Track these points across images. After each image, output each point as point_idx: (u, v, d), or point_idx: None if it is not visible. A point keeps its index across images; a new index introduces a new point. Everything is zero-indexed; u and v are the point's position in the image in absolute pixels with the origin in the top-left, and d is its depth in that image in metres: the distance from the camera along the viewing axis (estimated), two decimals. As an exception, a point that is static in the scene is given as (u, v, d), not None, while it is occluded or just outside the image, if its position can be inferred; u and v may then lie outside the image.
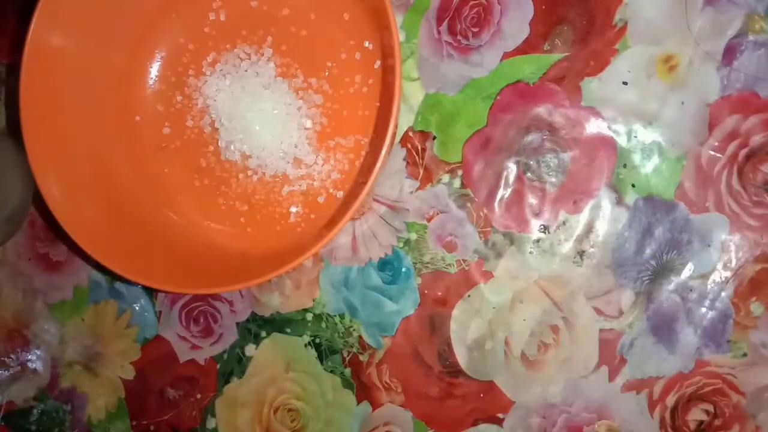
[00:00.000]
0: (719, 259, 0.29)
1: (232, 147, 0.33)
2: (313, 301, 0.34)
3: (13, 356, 0.39)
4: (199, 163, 0.34)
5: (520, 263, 0.31)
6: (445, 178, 0.32)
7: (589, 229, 0.30)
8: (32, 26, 0.30)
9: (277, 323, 0.34)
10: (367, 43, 0.31)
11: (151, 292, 0.37)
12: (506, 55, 0.31)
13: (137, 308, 0.37)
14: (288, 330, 0.34)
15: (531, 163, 0.31)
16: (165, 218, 0.34)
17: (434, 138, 0.32)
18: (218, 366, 0.36)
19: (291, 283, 0.34)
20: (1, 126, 0.39)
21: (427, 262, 0.32)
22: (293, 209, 0.33)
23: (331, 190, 0.32)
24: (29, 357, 0.39)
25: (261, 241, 0.33)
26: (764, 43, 0.29)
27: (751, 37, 0.29)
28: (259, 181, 0.33)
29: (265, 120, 0.32)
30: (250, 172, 0.33)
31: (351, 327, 0.33)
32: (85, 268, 0.38)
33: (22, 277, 0.39)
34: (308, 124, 0.32)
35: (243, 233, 0.34)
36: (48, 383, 0.39)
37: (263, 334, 0.35)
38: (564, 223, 0.31)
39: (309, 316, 0.34)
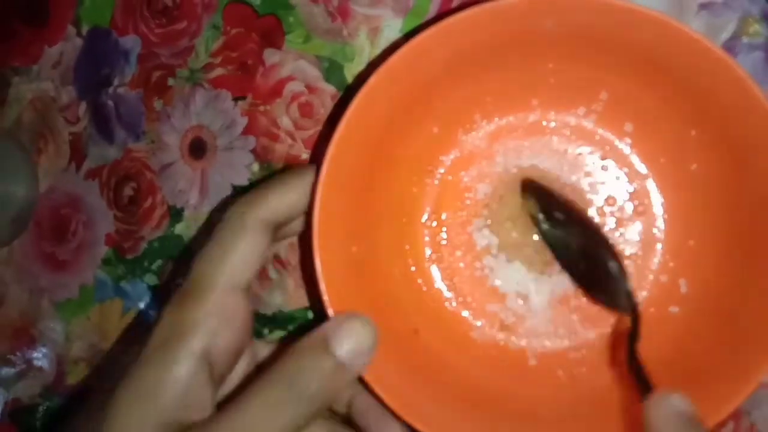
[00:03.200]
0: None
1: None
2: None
3: (19, 354, 0.40)
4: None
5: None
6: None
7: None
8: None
9: (279, 321, 0.35)
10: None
11: (155, 290, 0.37)
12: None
13: (142, 306, 0.37)
14: (290, 328, 0.35)
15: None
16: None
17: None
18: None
19: (293, 281, 0.34)
20: (5, 127, 0.40)
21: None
22: None
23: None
24: (35, 355, 0.39)
25: None
26: (759, 46, 0.29)
27: (745, 40, 0.29)
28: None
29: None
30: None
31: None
32: (91, 267, 0.38)
33: (28, 276, 0.40)
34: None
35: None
36: (53, 381, 0.39)
37: (265, 332, 0.35)
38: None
39: (310, 314, 0.34)
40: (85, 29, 0.38)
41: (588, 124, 0.30)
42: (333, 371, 0.22)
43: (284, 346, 0.25)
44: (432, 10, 0.32)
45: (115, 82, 0.37)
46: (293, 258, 0.34)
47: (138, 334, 0.37)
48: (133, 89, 0.37)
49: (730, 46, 0.29)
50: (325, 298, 0.25)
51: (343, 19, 0.33)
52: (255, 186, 0.26)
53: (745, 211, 0.26)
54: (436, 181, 0.31)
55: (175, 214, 0.36)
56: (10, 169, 0.39)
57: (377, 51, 0.33)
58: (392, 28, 0.32)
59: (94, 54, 0.38)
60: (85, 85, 0.38)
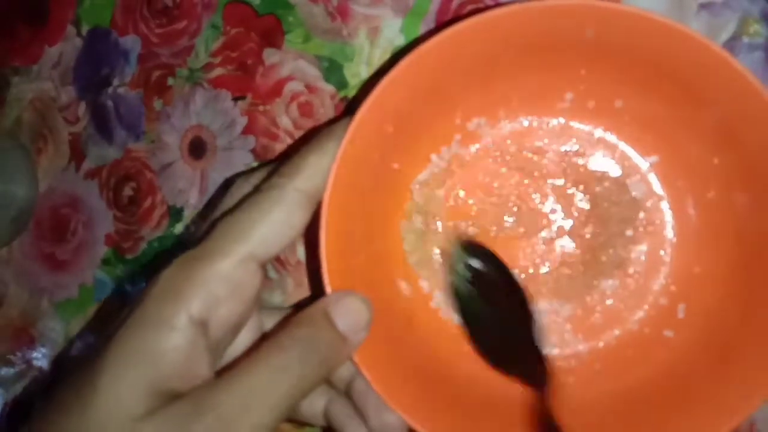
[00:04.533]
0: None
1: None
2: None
3: (18, 354, 0.40)
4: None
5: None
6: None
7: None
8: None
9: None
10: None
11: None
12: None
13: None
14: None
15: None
16: None
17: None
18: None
19: (293, 281, 0.34)
20: (5, 127, 0.40)
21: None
22: None
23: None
24: (35, 355, 0.39)
25: None
26: (759, 46, 0.29)
27: (745, 40, 0.29)
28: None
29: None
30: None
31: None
32: (91, 268, 0.38)
33: (27, 276, 0.40)
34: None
35: None
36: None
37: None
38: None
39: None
40: (85, 29, 0.38)
41: (611, 138, 0.30)
42: (335, 342, 0.22)
43: (288, 317, 0.25)
44: (432, 10, 0.32)
45: (115, 81, 0.37)
46: (292, 258, 0.34)
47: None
48: (133, 89, 0.37)
49: (730, 46, 0.29)
50: (328, 289, 0.25)
51: (343, 18, 0.33)
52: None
53: (756, 245, 0.26)
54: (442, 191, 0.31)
55: (175, 213, 0.36)
56: (10, 169, 0.39)
57: (377, 51, 0.33)
58: (392, 27, 0.32)
59: (94, 54, 0.38)
60: (85, 85, 0.38)
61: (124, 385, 0.19)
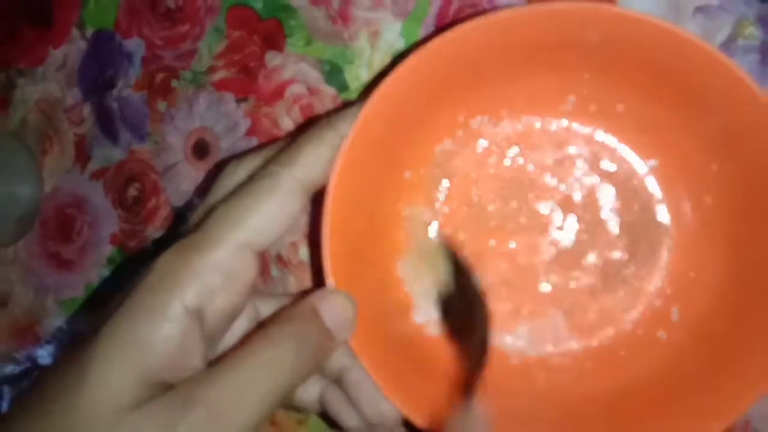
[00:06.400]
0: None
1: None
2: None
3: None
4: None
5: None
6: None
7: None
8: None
9: (281, 320, 0.35)
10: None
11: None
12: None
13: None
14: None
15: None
16: None
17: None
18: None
19: (295, 279, 0.35)
20: (11, 128, 0.40)
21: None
22: None
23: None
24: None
25: None
26: (754, 49, 0.29)
27: (740, 43, 0.30)
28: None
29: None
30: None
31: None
32: (96, 267, 0.39)
33: (33, 276, 0.40)
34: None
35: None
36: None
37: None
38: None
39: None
40: (89, 32, 0.38)
41: (611, 140, 0.30)
42: (323, 337, 0.23)
43: (285, 307, 0.25)
44: (431, 13, 0.32)
45: (120, 84, 0.38)
46: (294, 257, 0.34)
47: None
48: (137, 91, 0.37)
49: (725, 48, 0.30)
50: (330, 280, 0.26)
51: (344, 22, 0.34)
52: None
53: (751, 252, 0.26)
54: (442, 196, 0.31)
55: (179, 214, 0.37)
56: (15, 170, 0.39)
57: (377, 54, 0.33)
58: (392, 31, 0.33)
59: (98, 56, 0.38)
60: (90, 87, 0.39)
61: (113, 375, 0.19)
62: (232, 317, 0.22)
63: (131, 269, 0.38)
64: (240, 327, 0.24)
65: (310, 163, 0.23)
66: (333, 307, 0.23)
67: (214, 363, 0.20)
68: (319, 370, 0.25)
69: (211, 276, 0.21)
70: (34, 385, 0.20)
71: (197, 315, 0.20)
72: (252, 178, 0.23)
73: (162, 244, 0.22)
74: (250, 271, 0.22)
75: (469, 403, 0.24)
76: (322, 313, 0.23)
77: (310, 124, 0.25)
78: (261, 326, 0.23)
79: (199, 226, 0.22)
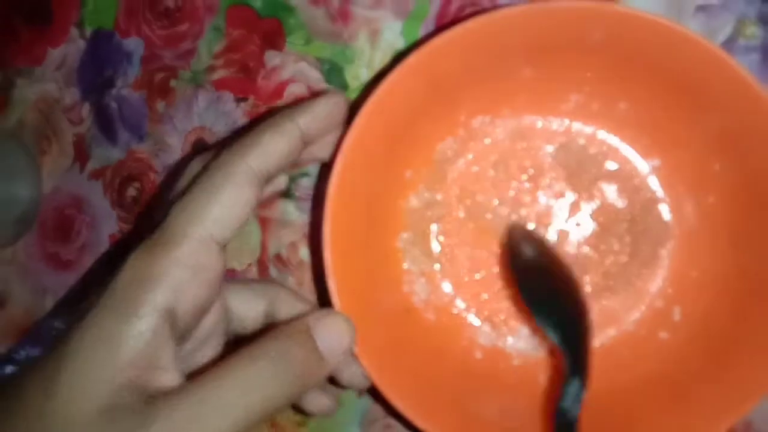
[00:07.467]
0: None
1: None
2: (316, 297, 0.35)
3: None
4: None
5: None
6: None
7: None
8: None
9: (281, 320, 0.35)
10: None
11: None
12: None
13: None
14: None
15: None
16: None
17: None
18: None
19: (294, 280, 0.35)
20: (9, 128, 0.40)
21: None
22: None
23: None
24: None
25: None
26: (755, 48, 0.29)
27: (741, 42, 0.29)
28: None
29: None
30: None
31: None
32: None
33: (32, 276, 0.40)
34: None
35: None
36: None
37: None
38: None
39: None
40: (88, 31, 0.38)
41: (614, 139, 0.30)
42: (314, 361, 0.22)
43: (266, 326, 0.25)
44: (432, 12, 0.32)
45: (118, 83, 0.38)
46: (294, 257, 0.34)
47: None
48: (136, 91, 0.37)
49: (726, 48, 0.29)
50: (332, 288, 0.26)
51: (344, 21, 0.33)
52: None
53: (752, 252, 0.26)
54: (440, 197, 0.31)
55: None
56: (14, 170, 0.39)
57: (377, 53, 0.33)
58: (392, 30, 0.33)
59: (97, 56, 0.38)
60: (89, 87, 0.39)
61: (88, 380, 0.19)
62: (202, 311, 0.22)
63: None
64: (209, 322, 0.24)
65: (265, 152, 0.23)
66: (328, 330, 0.23)
67: (193, 377, 0.20)
68: (305, 393, 0.24)
69: (179, 271, 0.21)
70: (8, 386, 0.20)
71: (168, 312, 0.20)
72: (206, 168, 0.22)
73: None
74: (217, 264, 0.22)
75: (580, 377, 0.24)
76: (316, 334, 0.22)
77: (269, 115, 0.25)
78: (249, 341, 0.22)
79: (161, 222, 0.22)
